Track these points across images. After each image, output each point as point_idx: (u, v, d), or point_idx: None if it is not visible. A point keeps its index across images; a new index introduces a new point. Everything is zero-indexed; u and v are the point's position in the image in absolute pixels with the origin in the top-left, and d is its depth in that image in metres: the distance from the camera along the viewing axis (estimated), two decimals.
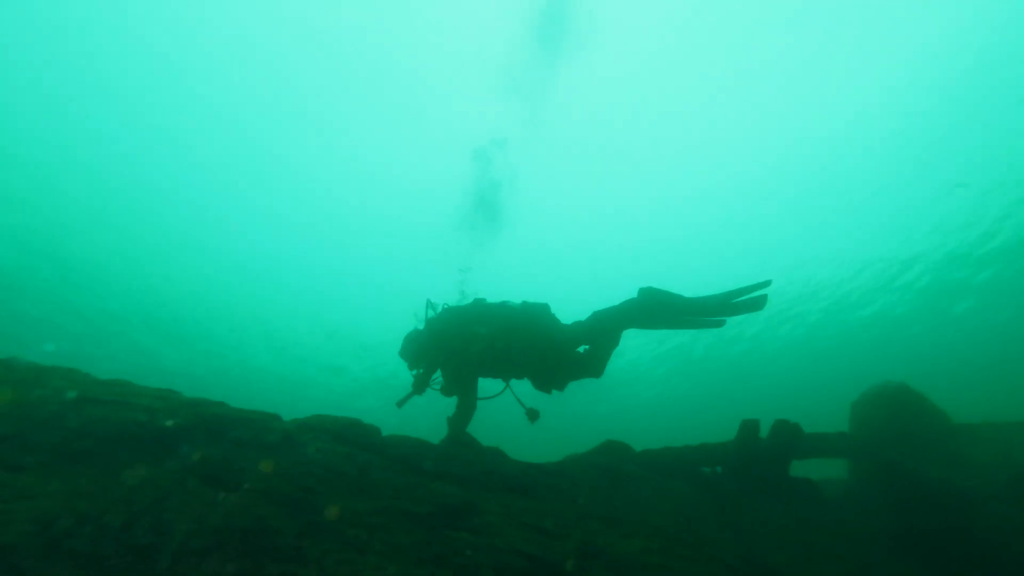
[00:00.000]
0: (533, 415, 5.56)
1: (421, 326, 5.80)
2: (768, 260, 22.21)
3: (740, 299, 5.33)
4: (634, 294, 5.58)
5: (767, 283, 5.37)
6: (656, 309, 5.43)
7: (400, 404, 5.60)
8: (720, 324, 5.53)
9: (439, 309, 5.87)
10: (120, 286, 22.34)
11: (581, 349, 5.61)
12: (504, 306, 5.65)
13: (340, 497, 2.93)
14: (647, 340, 26.83)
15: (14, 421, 2.79)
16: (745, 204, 22.28)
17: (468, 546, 2.67)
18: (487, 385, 5.77)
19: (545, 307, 5.70)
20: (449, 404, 5.69)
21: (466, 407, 5.42)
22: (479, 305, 5.75)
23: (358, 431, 4.23)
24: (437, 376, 5.71)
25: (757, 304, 5.33)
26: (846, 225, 20.63)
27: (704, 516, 4.20)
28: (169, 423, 3.33)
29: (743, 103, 20.25)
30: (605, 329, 5.45)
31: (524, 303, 5.70)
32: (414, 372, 5.65)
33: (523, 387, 5.87)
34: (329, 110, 21.94)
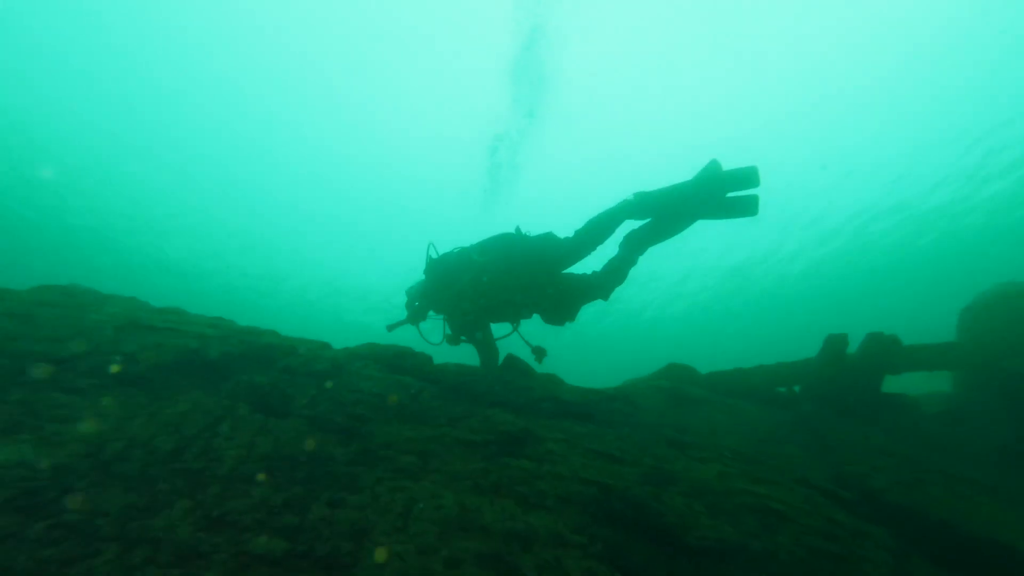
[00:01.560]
0: (540, 353, 5.40)
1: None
2: None
3: (733, 194, 4.82)
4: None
5: (753, 172, 4.78)
6: (651, 204, 5.02)
7: (390, 328, 5.46)
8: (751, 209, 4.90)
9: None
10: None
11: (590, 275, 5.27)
12: (503, 237, 5.35)
13: (392, 425, 2.80)
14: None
15: (72, 345, 2.78)
16: None
17: (530, 474, 2.47)
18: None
19: (546, 237, 5.32)
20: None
21: (485, 352, 5.34)
22: (498, 236, 5.46)
23: (410, 360, 4.10)
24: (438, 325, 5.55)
25: (749, 207, 4.82)
26: None
27: (784, 437, 3.85)
28: (220, 350, 3.28)
29: None
30: (600, 228, 5.07)
31: (524, 235, 5.36)
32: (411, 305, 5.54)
33: (530, 325, 5.64)
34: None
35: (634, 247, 5.19)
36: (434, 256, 5.56)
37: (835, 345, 4.42)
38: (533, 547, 1.94)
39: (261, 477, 2.05)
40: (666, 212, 5.07)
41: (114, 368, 2.69)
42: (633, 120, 25.16)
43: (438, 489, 2.19)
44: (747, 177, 4.87)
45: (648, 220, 5.10)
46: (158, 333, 3.33)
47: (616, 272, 5.25)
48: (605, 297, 5.33)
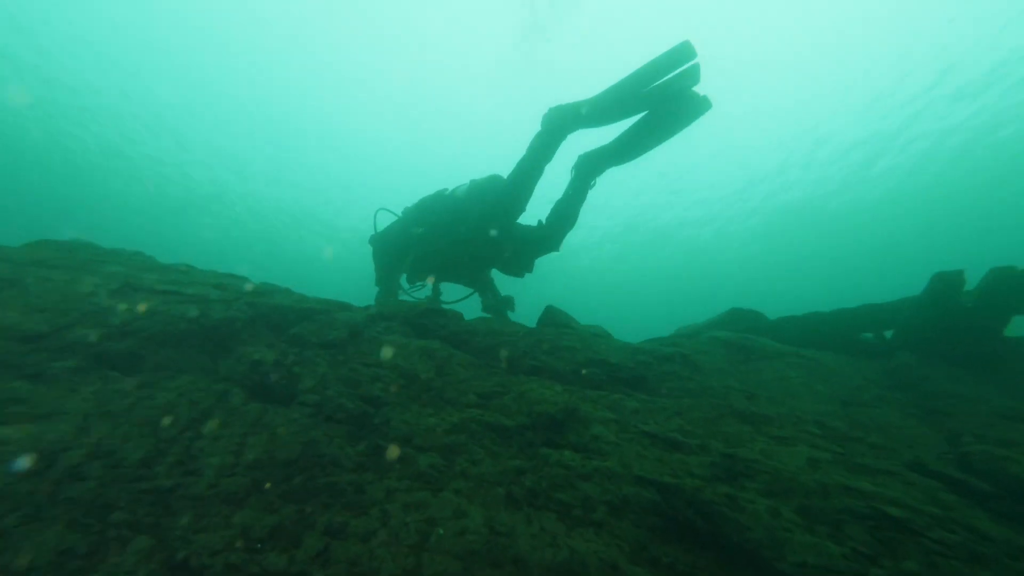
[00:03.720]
0: (508, 303, 5.44)
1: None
2: None
3: (664, 80, 4.36)
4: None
5: (688, 48, 4.29)
6: (561, 122, 4.61)
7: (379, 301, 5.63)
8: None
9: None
10: None
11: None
12: (442, 197, 5.36)
13: (412, 409, 2.39)
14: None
15: (54, 316, 2.47)
16: None
17: (574, 473, 2.02)
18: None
19: (491, 181, 5.17)
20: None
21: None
22: (423, 200, 5.50)
23: (437, 318, 3.67)
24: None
25: (689, 77, 4.34)
26: None
27: (877, 397, 3.24)
28: (222, 316, 2.94)
29: None
30: (529, 169, 4.76)
31: (471, 184, 5.27)
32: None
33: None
34: None
35: (587, 172, 4.79)
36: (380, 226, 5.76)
37: (947, 283, 3.63)
38: None
39: (246, 494, 1.69)
40: (604, 113, 4.57)
41: (96, 344, 2.36)
42: None
43: (462, 503, 1.78)
44: (681, 55, 4.33)
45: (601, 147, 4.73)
46: (156, 297, 3.00)
47: (564, 215, 4.97)
48: (557, 248, 5.15)
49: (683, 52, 4.31)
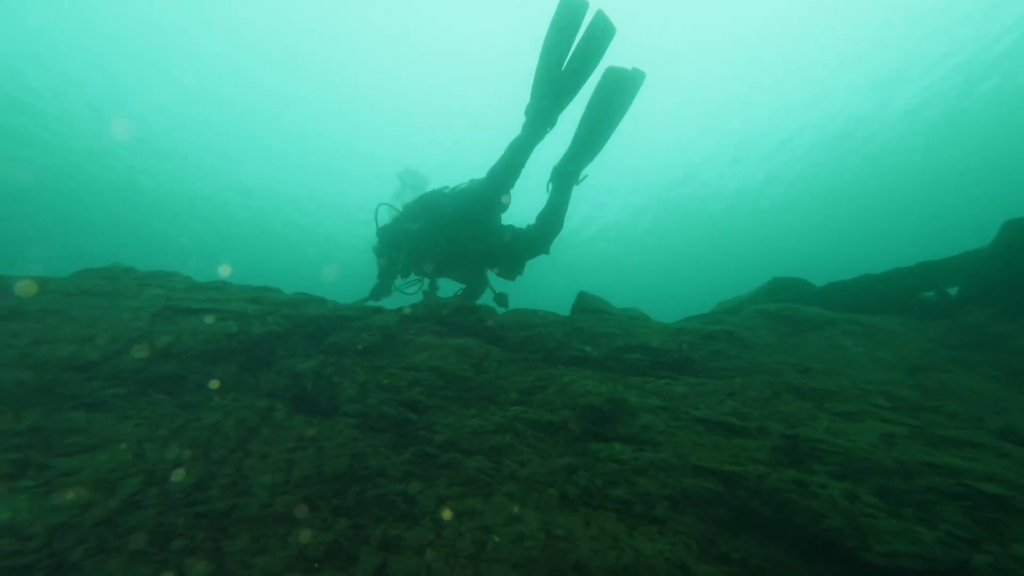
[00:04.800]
0: (502, 299, 5.48)
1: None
2: None
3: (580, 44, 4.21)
4: None
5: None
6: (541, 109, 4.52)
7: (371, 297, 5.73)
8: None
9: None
10: None
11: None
12: (439, 195, 5.41)
13: (454, 411, 2.35)
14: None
15: (102, 344, 2.53)
16: None
17: (628, 467, 1.93)
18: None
19: (471, 187, 5.27)
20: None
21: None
22: (420, 197, 5.54)
23: (470, 315, 3.61)
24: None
25: (603, 31, 4.14)
26: None
27: (948, 361, 3.01)
28: (261, 330, 2.96)
29: None
30: (548, 219, 4.98)
31: (470, 183, 5.31)
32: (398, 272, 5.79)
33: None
34: None
35: (563, 180, 4.89)
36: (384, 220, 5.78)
37: (1020, 230, 3.34)
38: None
39: (300, 512, 1.67)
40: (556, 107, 4.50)
41: (144, 369, 2.40)
42: None
43: (515, 507, 1.72)
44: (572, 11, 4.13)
45: (568, 150, 4.75)
46: (195, 316, 3.04)
47: (550, 221, 5.03)
48: (546, 251, 5.23)
49: (573, 7, 4.09)
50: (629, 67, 4.30)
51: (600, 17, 4.11)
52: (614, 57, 4.46)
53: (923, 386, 2.76)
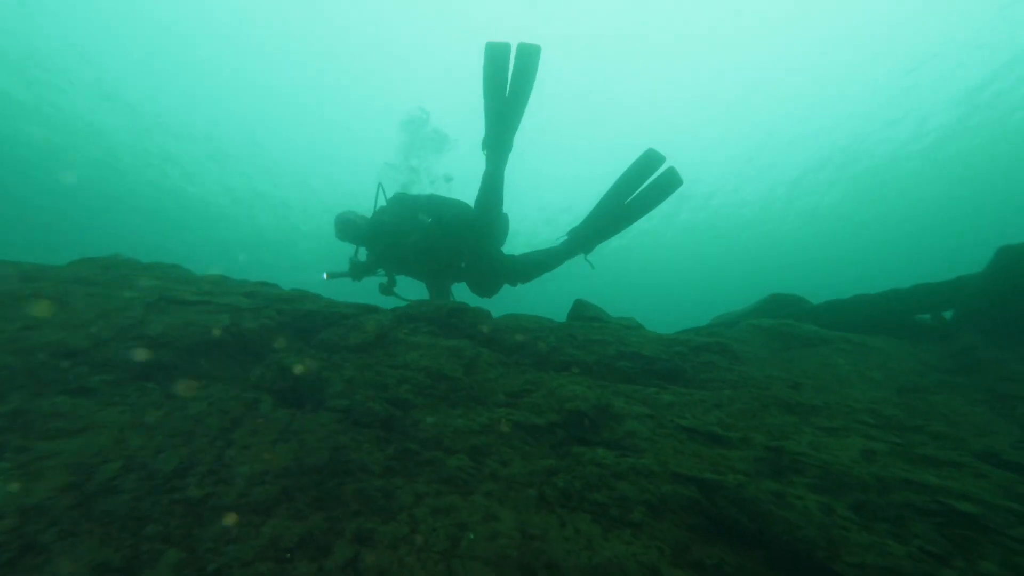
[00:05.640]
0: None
1: (369, 214, 5.89)
2: None
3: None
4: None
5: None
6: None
7: (329, 277, 5.66)
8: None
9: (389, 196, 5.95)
10: None
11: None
12: (455, 203, 5.65)
13: (440, 410, 2.36)
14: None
15: (93, 332, 2.56)
16: None
17: (608, 472, 1.94)
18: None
19: (457, 205, 5.60)
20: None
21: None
22: (431, 197, 5.72)
23: (466, 317, 3.63)
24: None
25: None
26: None
27: (938, 384, 3.01)
28: (254, 324, 2.98)
29: None
30: (540, 267, 5.53)
31: (430, 197, 5.71)
32: (353, 257, 5.80)
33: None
34: None
35: (575, 245, 5.45)
36: (382, 202, 5.81)
37: (1016, 255, 3.34)
38: None
39: (276, 502, 1.68)
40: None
41: (133, 357, 2.43)
42: None
43: (493, 506, 1.73)
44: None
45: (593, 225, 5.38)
46: (190, 308, 3.07)
47: (541, 267, 5.51)
48: (514, 284, 5.62)
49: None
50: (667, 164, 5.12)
51: (523, 48, 4.72)
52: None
53: (910, 406, 2.76)
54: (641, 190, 5.16)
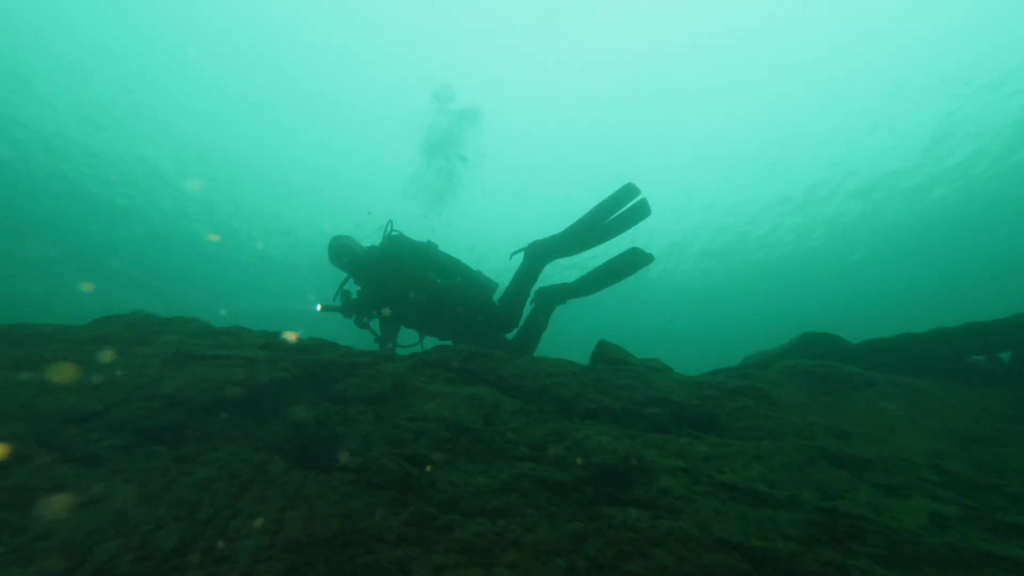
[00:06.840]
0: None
1: (375, 243, 5.80)
2: None
3: (620, 213, 5.39)
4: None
5: (632, 188, 5.36)
6: (544, 253, 5.52)
7: (323, 309, 5.46)
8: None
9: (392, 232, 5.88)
10: None
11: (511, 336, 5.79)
12: (474, 277, 5.70)
13: (459, 466, 2.21)
14: None
15: (105, 392, 2.51)
16: None
17: (642, 537, 1.75)
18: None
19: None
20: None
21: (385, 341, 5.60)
22: (435, 252, 5.67)
23: (484, 362, 3.52)
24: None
25: (640, 212, 5.36)
26: None
27: (1005, 433, 2.74)
28: (268, 378, 2.91)
29: None
30: (517, 297, 5.56)
31: (478, 272, 5.78)
32: (348, 288, 5.58)
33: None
34: None
35: (545, 304, 5.57)
36: (392, 237, 5.67)
37: None
38: None
39: None
40: (569, 247, 5.52)
41: (144, 419, 2.36)
42: None
43: None
44: (626, 194, 5.35)
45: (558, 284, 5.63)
46: (206, 364, 3.03)
47: (526, 338, 5.56)
48: (493, 345, 5.44)
49: (628, 191, 5.35)
50: (648, 251, 5.38)
51: (644, 203, 5.34)
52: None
53: (977, 460, 2.50)
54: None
